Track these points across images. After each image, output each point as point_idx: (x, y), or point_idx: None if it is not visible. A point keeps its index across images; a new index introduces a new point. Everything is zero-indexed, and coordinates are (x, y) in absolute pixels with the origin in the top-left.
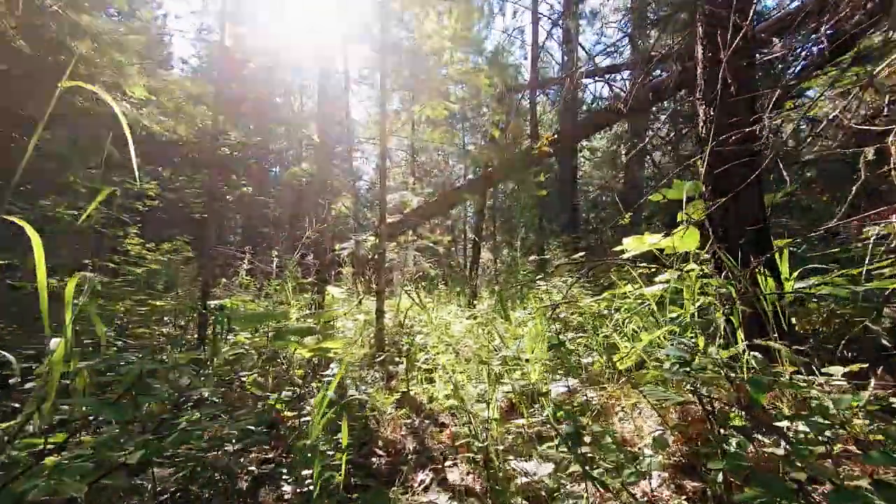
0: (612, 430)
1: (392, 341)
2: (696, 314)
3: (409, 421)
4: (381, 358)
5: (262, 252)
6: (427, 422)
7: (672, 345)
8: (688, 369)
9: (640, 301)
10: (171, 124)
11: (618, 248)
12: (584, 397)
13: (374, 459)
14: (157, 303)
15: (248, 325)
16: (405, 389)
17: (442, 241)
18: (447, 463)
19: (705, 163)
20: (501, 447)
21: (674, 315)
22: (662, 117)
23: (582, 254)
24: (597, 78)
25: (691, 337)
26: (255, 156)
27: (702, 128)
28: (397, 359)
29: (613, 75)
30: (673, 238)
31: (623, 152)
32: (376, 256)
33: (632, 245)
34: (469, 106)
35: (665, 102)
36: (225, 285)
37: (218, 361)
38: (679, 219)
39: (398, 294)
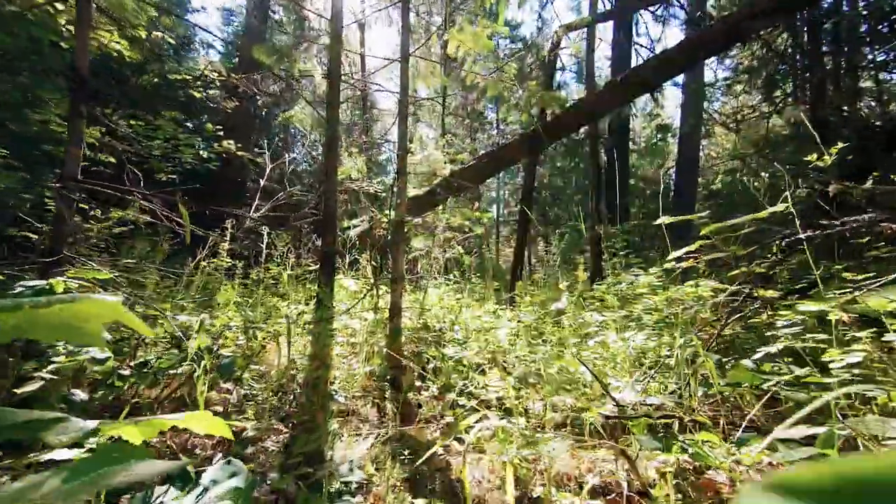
0: None
1: (413, 351)
2: None
3: None
4: (393, 381)
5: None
6: None
7: None
8: None
9: None
10: None
11: None
12: None
13: None
14: None
15: None
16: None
17: (481, 219)
18: None
19: None
20: None
21: None
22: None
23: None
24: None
25: None
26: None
27: None
28: (419, 383)
29: None
30: None
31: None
32: (392, 234)
33: None
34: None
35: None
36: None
37: None
38: None
39: (425, 286)
